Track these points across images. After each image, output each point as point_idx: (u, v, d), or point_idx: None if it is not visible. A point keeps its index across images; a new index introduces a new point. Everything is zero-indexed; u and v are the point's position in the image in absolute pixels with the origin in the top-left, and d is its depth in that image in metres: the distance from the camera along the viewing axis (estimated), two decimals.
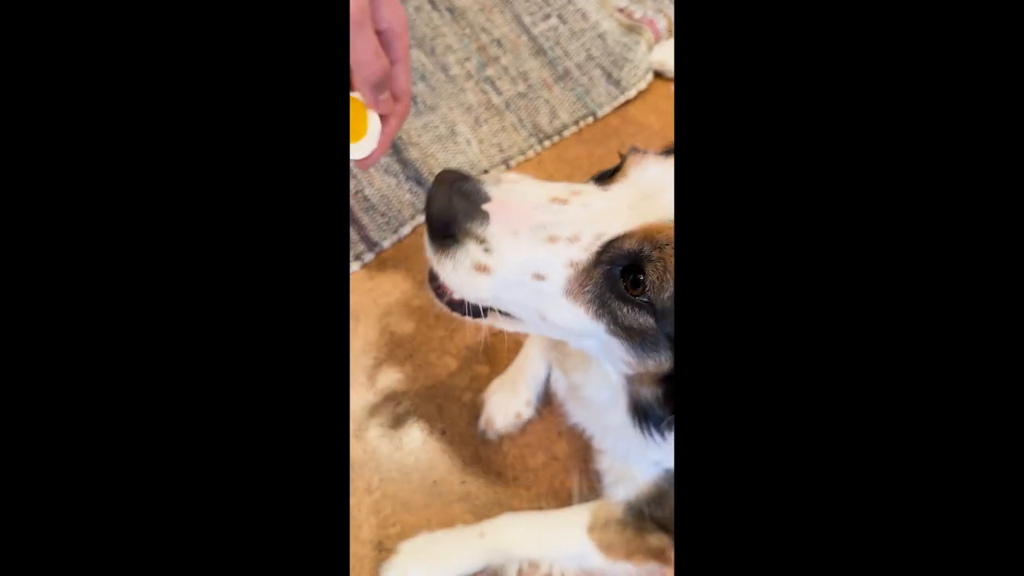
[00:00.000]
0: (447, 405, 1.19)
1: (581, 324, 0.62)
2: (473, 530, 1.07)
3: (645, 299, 0.58)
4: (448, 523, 1.11)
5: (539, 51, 1.46)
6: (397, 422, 1.17)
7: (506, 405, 1.16)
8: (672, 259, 0.56)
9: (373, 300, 1.25)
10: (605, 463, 1.06)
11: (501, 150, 1.37)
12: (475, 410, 1.18)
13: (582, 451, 1.15)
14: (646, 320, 0.59)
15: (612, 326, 0.61)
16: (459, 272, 0.59)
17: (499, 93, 1.42)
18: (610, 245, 0.58)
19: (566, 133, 1.40)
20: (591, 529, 1.04)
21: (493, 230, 0.57)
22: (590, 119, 1.41)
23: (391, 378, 1.20)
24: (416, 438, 1.16)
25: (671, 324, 0.58)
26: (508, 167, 1.36)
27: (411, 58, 1.44)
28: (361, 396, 1.19)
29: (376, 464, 1.15)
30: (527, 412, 1.16)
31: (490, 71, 1.43)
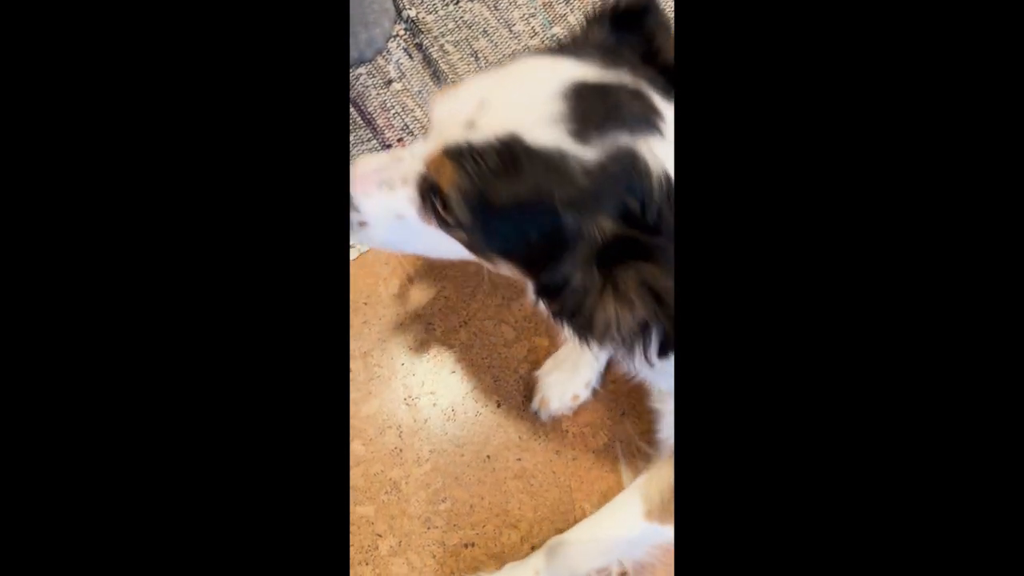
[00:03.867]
0: (503, 377, 1.11)
1: (450, 246, 0.72)
2: (527, 568, 0.99)
3: (451, 219, 0.67)
4: (502, 500, 1.04)
5: None
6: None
7: (563, 386, 1.08)
8: (453, 174, 0.64)
9: (427, 262, 1.18)
10: (667, 405, 0.98)
11: None
12: (533, 384, 1.11)
13: (647, 434, 1.08)
14: (462, 236, 0.69)
15: (462, 243, 0.71)
16: (356, 233, 0.75)
17: None
18: (423, 180, 0.69)
19: None
20: (648, 514, 0.97)
21: (356, 198, 0.73)
22: None
23: (442, 341, 1.13)
24: (470, 409, 1.09)
25: (480, 231, 0.67)
26: None
27: (473, 12, 1.36)
28: (410, 358, 1.12)
29: (427, 434, 1.08)
30: (584, 394, 1.09)
31: (556, 29, 1.35)
